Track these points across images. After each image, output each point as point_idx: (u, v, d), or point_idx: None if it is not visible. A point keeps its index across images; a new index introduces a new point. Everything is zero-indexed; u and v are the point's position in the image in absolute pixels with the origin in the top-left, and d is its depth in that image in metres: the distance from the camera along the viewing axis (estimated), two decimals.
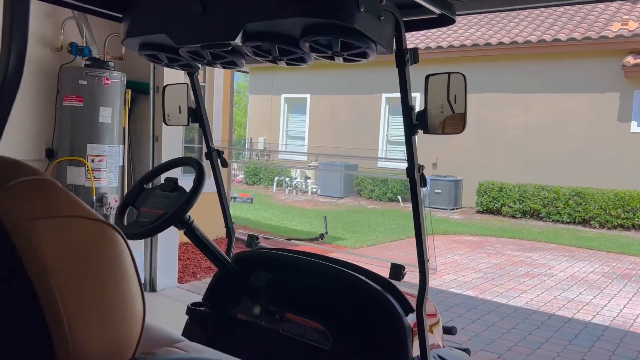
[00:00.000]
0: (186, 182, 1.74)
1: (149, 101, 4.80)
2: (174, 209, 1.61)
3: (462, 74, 1.47)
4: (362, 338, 1.76)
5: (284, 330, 1.84)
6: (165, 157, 4.82)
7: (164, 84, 2.17)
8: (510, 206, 12.04)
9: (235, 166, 16.00)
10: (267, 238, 2.37)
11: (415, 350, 1.68)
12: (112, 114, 4.51)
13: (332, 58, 1.48)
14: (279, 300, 1.89)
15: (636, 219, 10.73)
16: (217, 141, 6.16)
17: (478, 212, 12.50)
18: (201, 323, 2.00)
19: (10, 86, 1.00)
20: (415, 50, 1.51)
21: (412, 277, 1.83)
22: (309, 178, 14.88)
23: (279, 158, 16.94)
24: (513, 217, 11.98)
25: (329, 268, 1.89)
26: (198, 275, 5.64)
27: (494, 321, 4.93)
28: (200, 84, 7.13)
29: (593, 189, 11.17)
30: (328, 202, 13.60)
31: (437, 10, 1.49)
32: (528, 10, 13.66)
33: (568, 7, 13.14)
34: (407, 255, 7.68)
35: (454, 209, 12.69)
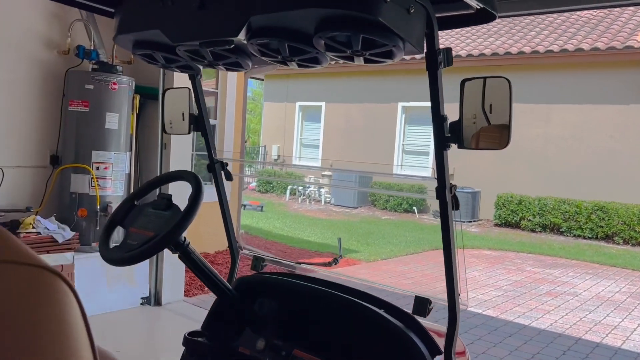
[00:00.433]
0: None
1: (158, 107, 4.63)
2: (166, 231, 1.40)
3: (506, 78, 1.26)
4: None
5: None
6: (174, 166, 4.64)
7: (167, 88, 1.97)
8: (529, 220, 11.68)
9: (248, 172, 15.88)
10: (275, 260, 2.13)
11: None
12: (119, 120, 4.34)
13: (351, 58, 1.27)
14: (286, 333, 1.67)
15: None
16: (229, 151, 5.99)
17: (496, 225, 12.17)
18: (198, 356, 1.79)
19: None
20: (449, 51, 1.30)
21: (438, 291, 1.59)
22: (323, 187, 14.69)
23: (292, 165, 16.77)
24: (532, 231, 11.63)
25: (344, 299, 1.66)
26: (205, 289, 5.43)
27: (517, 345, 4.64)
28: (213, 90, 7.01)
29: (617, 204, 10.79)
30: (342, 211, 13.36)
31: (476, 5, 1.27)
32: (550, 19, 13.36)
33: (591, 17, 12.80)
34: (423, 271, 7.40)
35: (471, 222, 12.36)
